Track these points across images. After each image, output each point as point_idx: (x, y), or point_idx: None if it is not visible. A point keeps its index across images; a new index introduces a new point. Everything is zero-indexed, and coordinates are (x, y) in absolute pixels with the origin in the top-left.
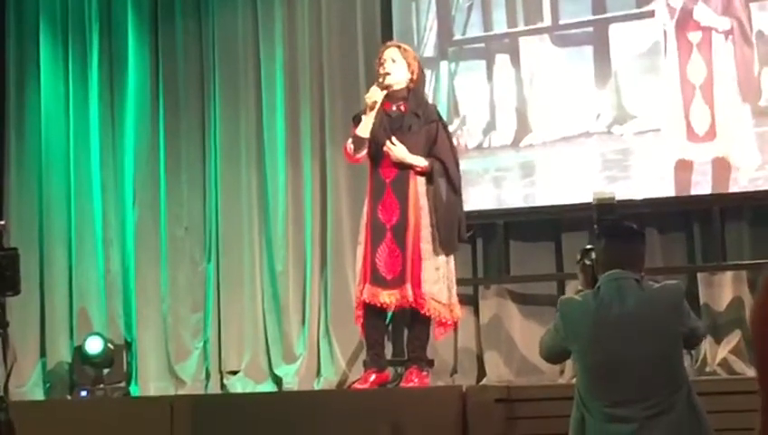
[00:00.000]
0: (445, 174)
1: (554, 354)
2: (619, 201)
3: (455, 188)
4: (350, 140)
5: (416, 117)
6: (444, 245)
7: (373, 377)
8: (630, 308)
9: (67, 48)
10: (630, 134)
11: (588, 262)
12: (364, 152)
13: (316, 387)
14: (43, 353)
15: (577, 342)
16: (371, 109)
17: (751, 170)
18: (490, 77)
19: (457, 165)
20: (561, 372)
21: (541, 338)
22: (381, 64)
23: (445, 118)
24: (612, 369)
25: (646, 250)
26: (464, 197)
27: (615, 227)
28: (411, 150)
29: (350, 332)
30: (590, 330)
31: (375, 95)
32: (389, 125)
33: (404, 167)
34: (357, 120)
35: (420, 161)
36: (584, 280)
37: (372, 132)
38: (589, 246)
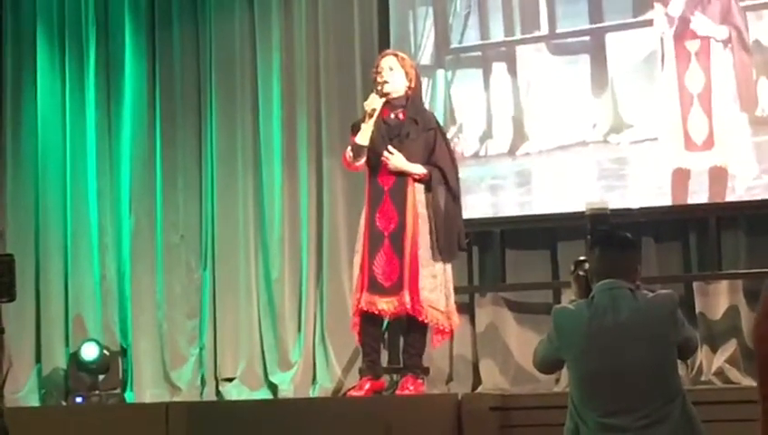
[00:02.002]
0: (444, 182)
1: (548, 364)
2: (615, 210)
3: (454, 196)
4: (348, 148)
5: (414, 124)
6: (443, 252)
7: (369, 384)
8: (624, 318)
9: (64, 54)
10: (627, 143)
11: (581, 273)
12: (363, 160)
13: (312, 394)
14: (38, 360)
15: (571, 351)
16: (370, 116)
17: (748, 180)
18: (487, 85)
19: (456, 173)
20: (557, 380)
21: (535, 349)
22: (379, 73)
23: (441, 126)
24: (606, 378)
25: (640, 259)
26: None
27: (609, 236)
28: (409, 158)
29: (346, 339)
30: (584, 339)
31: (374, 103)
32: (388, 133)
33: (402, 174)
34: (355, 129)
35: (419, 169)
36: (578, 290)
37: (371, 141)
38: (582, 258)
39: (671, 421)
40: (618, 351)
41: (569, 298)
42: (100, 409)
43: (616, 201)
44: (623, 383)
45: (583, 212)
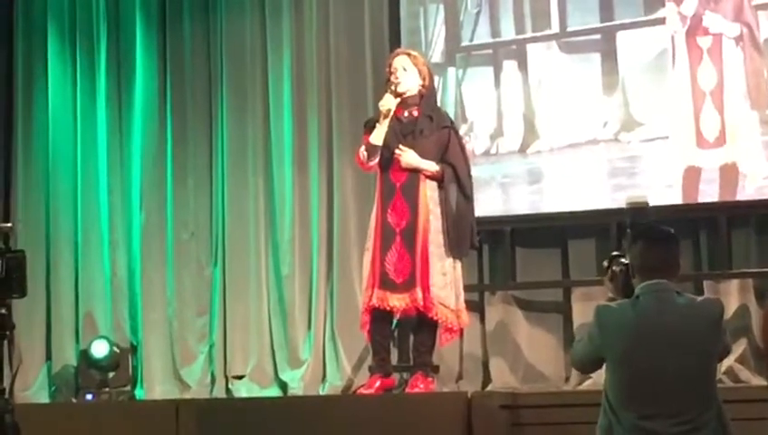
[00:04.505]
0: (456, 179)
1: (589, 363)
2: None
3: (466, 194)
4: (362, 148)
5: (428, 120)
6: (453, 250)
7: (378, 382)
8: (671, 321)
9: (75, 51)
10: (637, 141)
11: (616, 268)
12: (377, 160)
13: (321, 392)
14: (48, 356)
15: (613, 350)
16: (385, 117)
17: (758, 178)
18: (497, 83)
19: (469, 171)
20: (567, 378)
21: (572, 348)
22: (392, 73)
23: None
24: (648, 381)
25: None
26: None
27: (652, 229)
28: (422, 155)
29: (356, 337)
30: (628, 340)
31: (389, 103)
32: (401, 130)
33: (414, 171)
34: (368, 127)
35: (431, 166)
36: (614, 288)
37: (384, 138)
38: (615, 253)
39: (708, 430)
40: (662, 354)
41: (607, 297)
42: (110, 406)
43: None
44: (664, 387)
45: (595, 210)
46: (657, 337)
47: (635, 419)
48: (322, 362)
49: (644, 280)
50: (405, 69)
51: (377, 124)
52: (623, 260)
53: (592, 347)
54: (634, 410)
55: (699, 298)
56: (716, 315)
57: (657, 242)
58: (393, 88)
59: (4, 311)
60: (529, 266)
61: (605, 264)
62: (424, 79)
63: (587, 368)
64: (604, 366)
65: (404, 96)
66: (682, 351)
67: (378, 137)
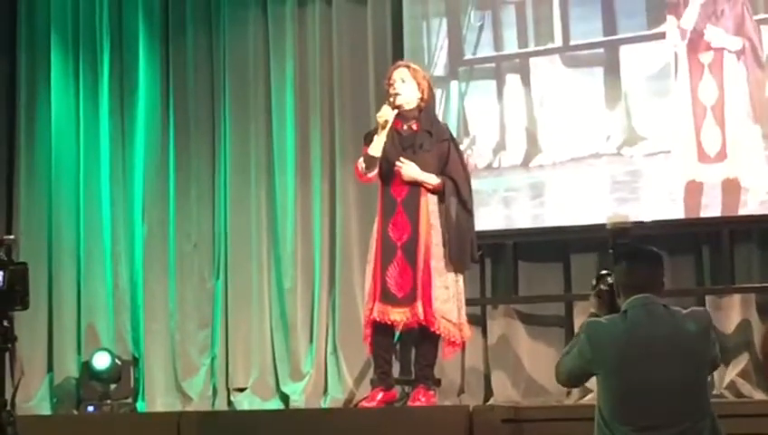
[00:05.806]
0: (456, 193)
1: (575, 378)
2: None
3: (466, 207)
4: (361, 159)
5: (428, 135)
6: (454, 263)
7: (380, 396)
8: (660, 333)
9: (78, 62)
10: (640, 156)
11: (604, 287)
12: (375, 171)
13: (323, 405)
14: (50, 368)
15: (604, 365)
16: (383, 128)
17: (761, 193)
18: (500, 97)
19: (469, 184)
20: (568, 393)
21: (558, 362)
22: (391, 85)
23: (455, 137)
24: (640, 394)
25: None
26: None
27: (635, 250)
28: (423, 168)
29: (358, 350)
30: (620, 354)
31: (386, 114)
32: (401, 143)
33: (415, 185)
34: (368, 140)
35: (432, 179)
36: (599, 305)
37: (384, 151)
38: (604, 271)
39: None
40: (653, 367)
41: (589, 312)
42: (112, 418)
43: (629, 214)
44: (657, 400)
45: (597, 224)
46: (649, 350)
47: (629, 432)
48: (324, 375)
49: (629, 299)
50: (403, 81)
51: (375, 136)
52: (610, 280)
53: (583, 361)
54: (628, 424)
55: (686, 310)
56: (706, 325)
57: (641, 261)
58: (391, 100)
59: (6, 323)
60: (531, 280)
61: (593, 281)
62: (423, 92)
63: (573, 382)
64: (595, 380)
65: (402, 108)
66: (673, 362)
67: (376, 148)
